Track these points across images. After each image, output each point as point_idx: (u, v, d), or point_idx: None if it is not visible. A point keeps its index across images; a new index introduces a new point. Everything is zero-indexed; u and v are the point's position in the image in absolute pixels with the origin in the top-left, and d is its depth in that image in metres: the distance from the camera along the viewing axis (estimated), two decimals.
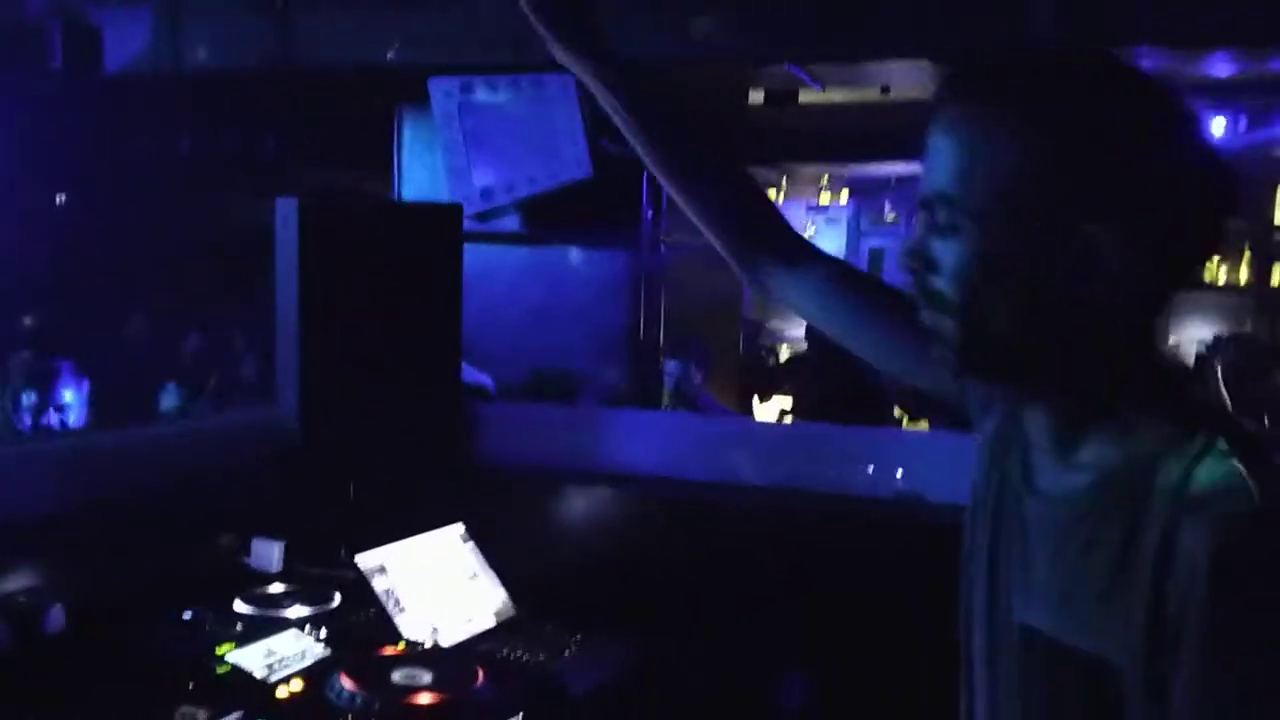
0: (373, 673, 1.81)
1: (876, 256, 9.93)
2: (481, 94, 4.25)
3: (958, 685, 1.18)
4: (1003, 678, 1.08)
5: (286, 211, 2.65)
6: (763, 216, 1.42)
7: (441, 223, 3.02)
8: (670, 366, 4.58)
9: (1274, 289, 8.65)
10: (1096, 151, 0.95)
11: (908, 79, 5.16)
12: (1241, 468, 0.93)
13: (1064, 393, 1.03)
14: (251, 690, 1.79)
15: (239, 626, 2.08)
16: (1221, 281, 8.66)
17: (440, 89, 4.27)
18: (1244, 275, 8.66)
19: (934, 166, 1.02)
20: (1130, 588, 0.94)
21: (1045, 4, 3.82)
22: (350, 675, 1.77)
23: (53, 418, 3.68)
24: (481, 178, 4.32)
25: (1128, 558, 0.94)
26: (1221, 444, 0.95)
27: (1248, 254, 8.63)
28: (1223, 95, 6.28)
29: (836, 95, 7.06)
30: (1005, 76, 1.01)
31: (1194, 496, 0.93)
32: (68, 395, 3.76)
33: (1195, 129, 0.98)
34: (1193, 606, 0.90)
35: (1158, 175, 0.95)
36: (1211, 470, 0.93)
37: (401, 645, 1.98)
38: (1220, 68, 4.84)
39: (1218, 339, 6.27)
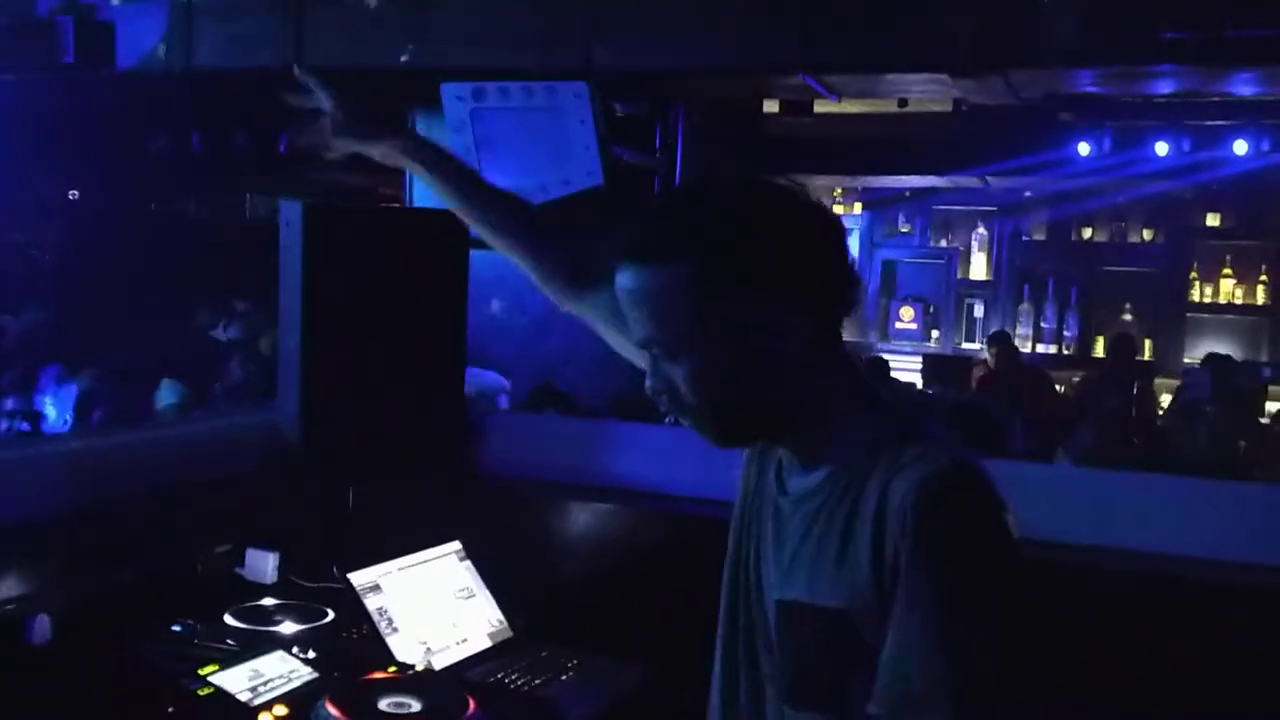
0: (359, 700, 1.76)
1: (890, 268, 9.87)
2: (494, 99, 4.20)
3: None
4: (767, 646, 1.33)
5: (291, 214, 2.61)
6: (562, 252, 1.73)
7: (449, 229, 2.96)
8: None
9: None
10: (740, 259, 1.22)
11: (926, 91, 5.11)
12: (935, 445, 1.24)
13: (794, 430, 1.31)
14: (234, 714, 1.74)
15: (227, 642, 2.03)
16: (1239, 301, 8.58)
17: (452, 93, 4.23)
18: (1260, 296, 8.57)
19: (636, 319, 1.28)
20: (858, 546, 1.21)
21: (1067, 21, 3.77)
22: (335, 703, 1.71)
23: (21, 426, 3.62)
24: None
25: (854, 526, 1.22)
26: (917, 436, 1.25)
27: (1264, 275, 8.55)
28: (1245, 115, 6.22)
29: (851, 107, 7.01)
30: (654, 238, 1.26)
31: (900, 466, 1.21)
32: (48, 408, 3.70)
33: (806, 213, 1.27)
34: (901, 541, 1.17)
35: (792, 251, 1.24)
36: (914, 449, 1.22)
37: (392, 669, 1.93)
38: (1242, 88, 4.77)
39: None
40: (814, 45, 4.10)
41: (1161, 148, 6.58)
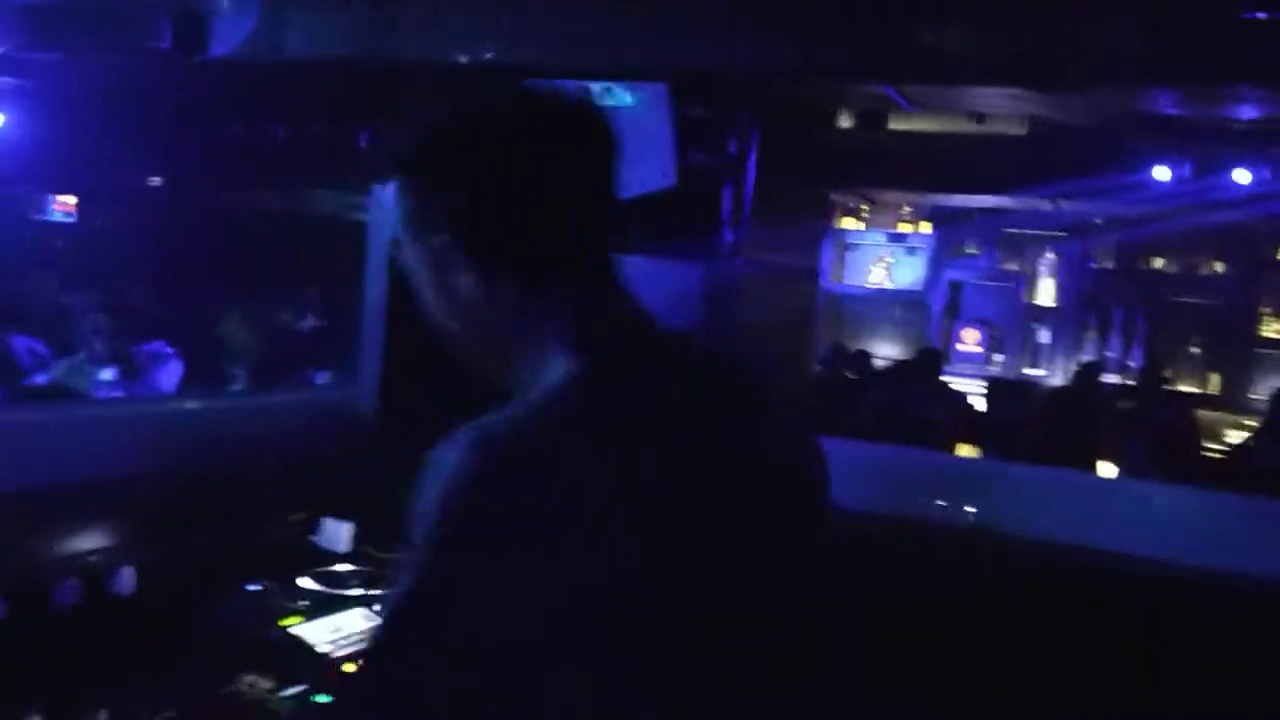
0: None
1: (956, 288, 9.82)
2: None
3: None
4: None
5: (383, 196, 2.68)
6: None
7: None
8: None
9: None
10: (430, 188, 1.18)
11: (1003, 106, 5.10)
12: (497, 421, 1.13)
13: (510, 368, 1.21)
14: (315, 664, 1.80)
15: (305, 602, 2.09)
16: None
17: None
18: None
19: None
20: None
21: (1134, 37, 3.75)
22: None
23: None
24: None
25: None
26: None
27: None
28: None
29: (926, 123, 6.99)
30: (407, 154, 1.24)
31: None
32: (163, 380, 3.82)
33: (521, 149, 1.18)
34: None
35: (480, 190, 1.16)
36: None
37: None
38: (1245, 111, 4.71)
39: None
40: (892, 54, 4.12)
41: (1242, 175, 6.48)
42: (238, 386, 4.76)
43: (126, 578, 2.12)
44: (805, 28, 4.26)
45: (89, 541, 2.16)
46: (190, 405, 2.90)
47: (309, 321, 6.62)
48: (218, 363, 4.69)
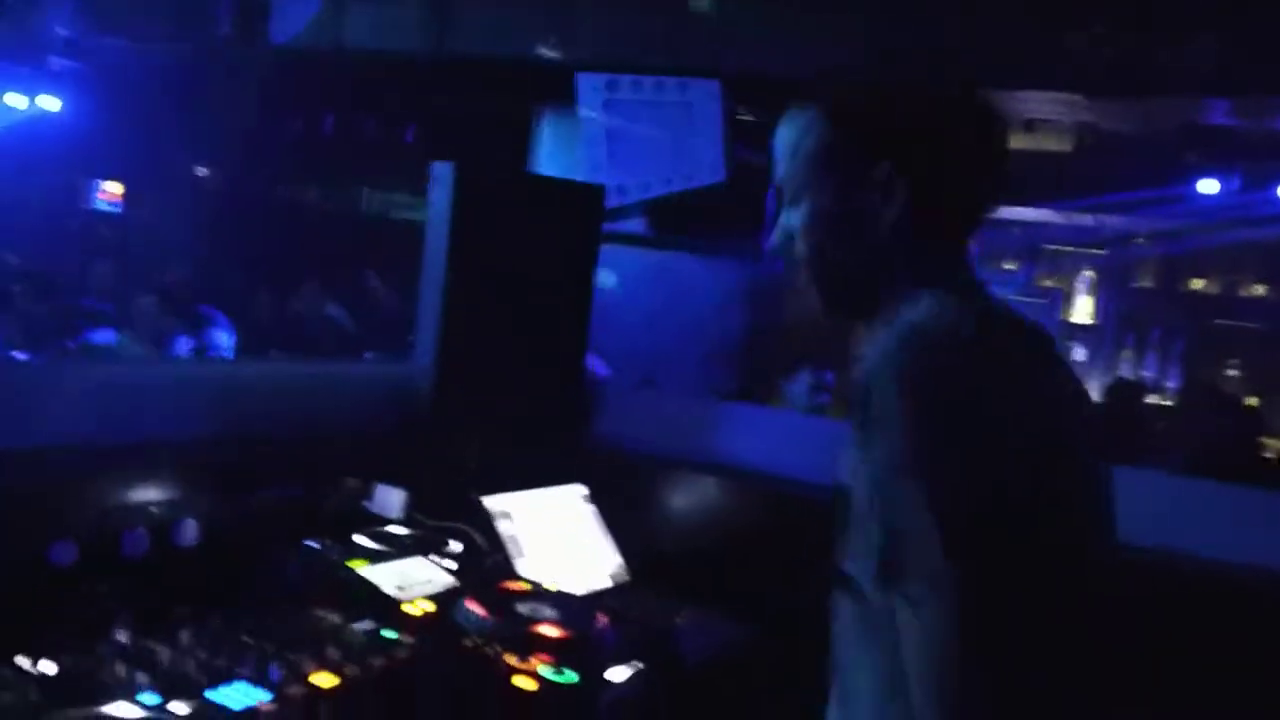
0: (499, 602, 1.85)
1: None
2: (627, 92, 4.32)
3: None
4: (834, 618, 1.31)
5: (442, 173, 2.72)
6: None
7: (586, 202, 3.07)
8: (802, 379, 4.55)
9: None
10: (879, 115, 1.28)
11: (1056, 113, 5.10)
12: (928, 318, 1.22)
13: (886, 311, 1.29)
14: (382, 603, 1.84)
15: (367, 552, 2.12)
16: None
17: (589, 84, 4.36)
18: None
19: (776, 161, 1.36)
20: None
21: (1209, 49, 3.76)
22: (478, 601, 1.80)
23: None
24: (618, 175, 4.39)
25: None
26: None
27: None
28: None
29: None
30: (816, 88, 1.34)
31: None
32: (222, 339, 3.90)
33: (967, 109, 1.30)
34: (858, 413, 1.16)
35: (928, 131, 1.27)
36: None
37: (526, 584, 2.02)
38: None
39: None
40: (942, 60, 4.14)
41: None
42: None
43: (190, 530, 2.17)
44: (855, 34, 4.30)
45: (152, 494, 2.21)
46: (252, 369, 2.96)
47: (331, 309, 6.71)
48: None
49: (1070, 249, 9.44)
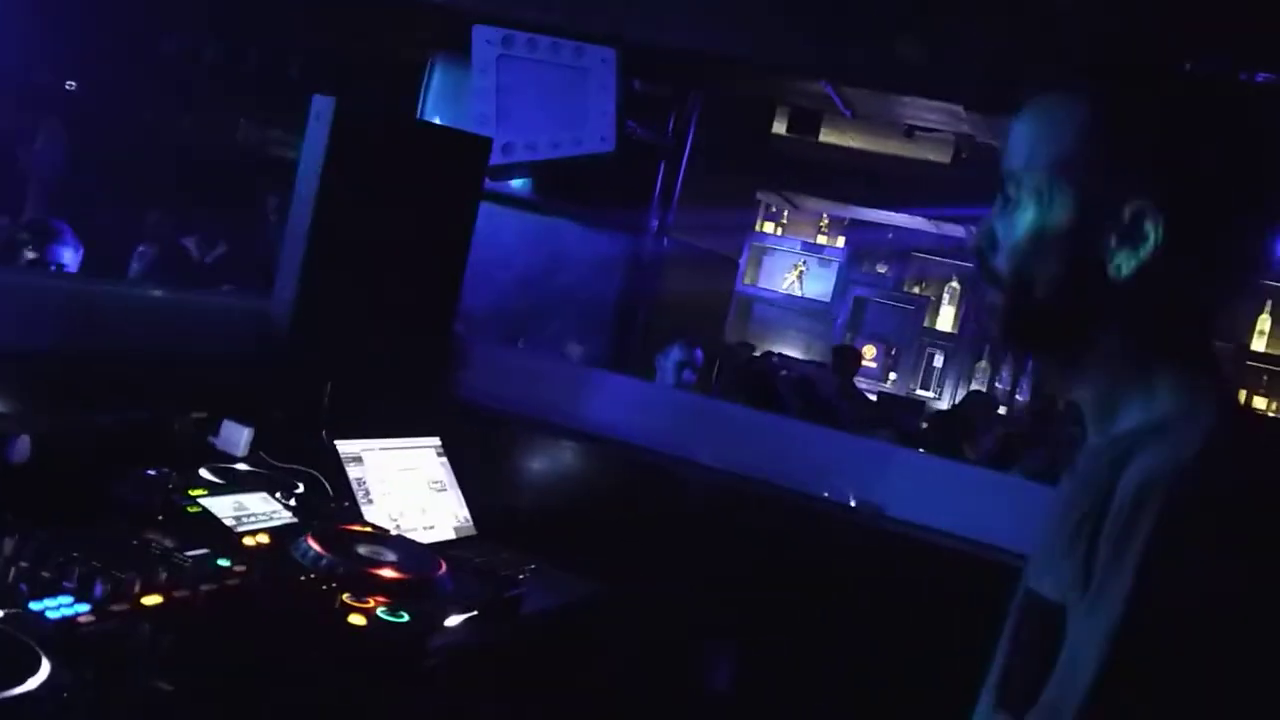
0: (339, 542, 1.83)
1: (861, 304, 10.05)
2: (521, 49, 4.28)
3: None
4: (1013, 635, 1.12)
5: (322, 108, 2.66)
6: None
7: (469, 154, 3.03)
8: (674, 354, 4.59)
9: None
10: (1146, 136, 1.05)
11: (936, 121, 5.24)
12: (1208, 427, 1.00)
13: (1089, 372, 1.10)
14: (219, 533, 1.80)
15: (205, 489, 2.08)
16: None
17: (483, 36, 4.30)
18: None
19: (1012, 148, 1.12)
20: (1082, 531, 0.98)
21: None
22: (317, 539, 1.78)
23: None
24: (504, 133, 4.34)
25: (1093, 507, 0.98)
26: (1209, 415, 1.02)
27: None
28: None
29: (856, 141, 7.15)
30: (1079, 75, 1.11)
31: (1146, 431, 1.02)
32: (66, 255, 3.73)
33: (1260, 138, 1.06)
34: (1113, 530, 0.95)
35: (1206, 167, 1.03)
36: (1185, 428, 1.00)
37: (368, 528, 2.00)
38: None
39: None
40: (837, 53, 4.22)
41: None
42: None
43: (21, 446, 2.09)
44: (762, 19, 4.33)
45: None
46: (102, 289, 2.85)
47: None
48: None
49: (939, 259, 9.73)
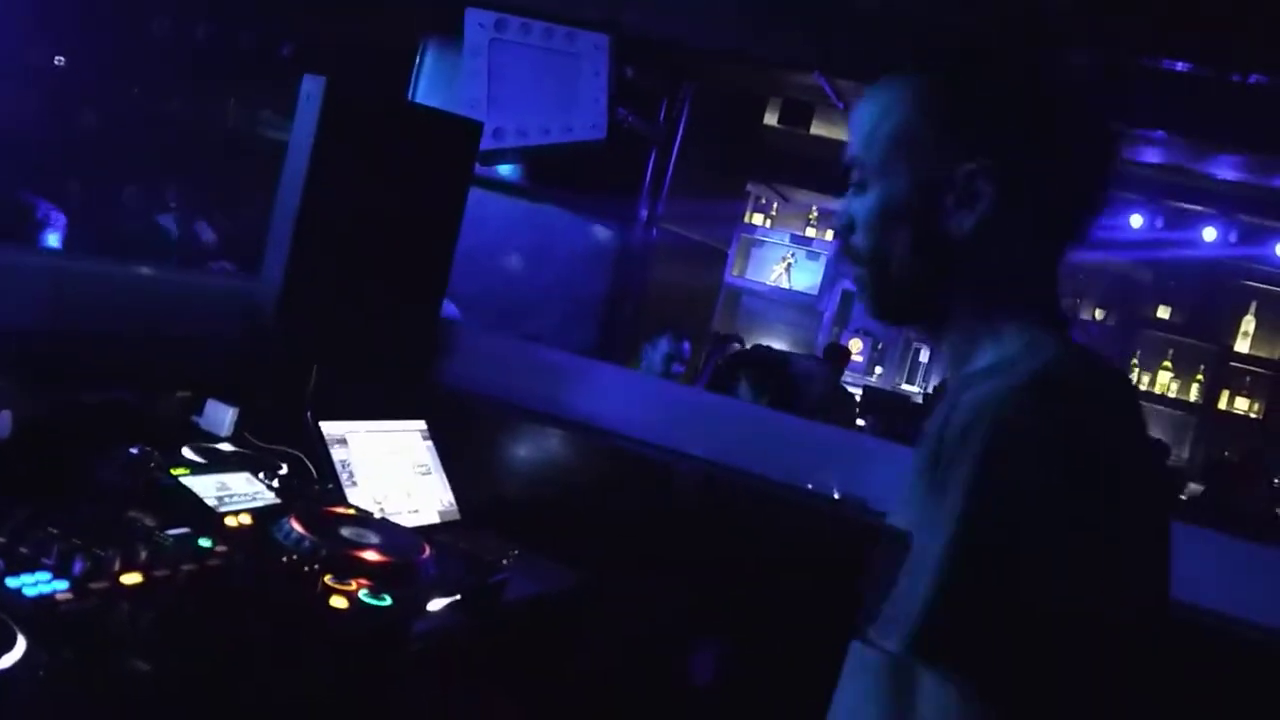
0: (322, 523, 1.81)
1: (848, 298, 10.05)
2: (514, 34, 4.25)
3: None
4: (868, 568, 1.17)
5: (313, 88, 2.63)
6: None
7: (461, 137, 3.02)
8: (662, 345, 4.59)
9: (1219, 411, 8.85)
10: (973, 104, 1.13)
11: None
12: (1047, 362, 1.08)
13: (947, 326, 1.19)
14: (201, 513, 1.79)
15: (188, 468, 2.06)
16: (1173, 395, 8.86)
17: (475, 19, 4.28)
18: (1194, 393, 8.86)
19: (852, 135, 1.21)
20: (926, 462, 1.05)
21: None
22: (300, 520, 1.77)
23: None
24: (495, 118, 4.31)
25: (935, 439, 1.05)
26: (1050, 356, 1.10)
27: (1202, 374, 8.83)
28: (1219, 203, 6.40)
29: (847, 131, 7.13)
30: (907, 56, 1.19)
31: (989, 369, 1.11)
32: (52, 239, 3.71)
33: (1081, 104, 1.16)
34: (944, 460, 1.01)
35: (1031, 129, 1.13)
36: (1022, 363, 1.08)
37: (352, 510, 1.98)
38: (1225, 172, 4.96)
39: None
40: (831, 44, 4.21)
41: (1136, 220, 6.75)
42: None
43: (2, 422, 2.07)
44: (758, 9, 4.32)
45: None
46: (88, 265, 2.82)
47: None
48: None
49: None
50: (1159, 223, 6.65)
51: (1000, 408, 1.01)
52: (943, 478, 1.00)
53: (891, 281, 1.18)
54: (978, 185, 1.11)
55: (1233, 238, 6.63)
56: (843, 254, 1.23)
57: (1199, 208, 6.54)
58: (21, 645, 1.24)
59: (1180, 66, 3.93)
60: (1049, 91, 1.15)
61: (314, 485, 2.17)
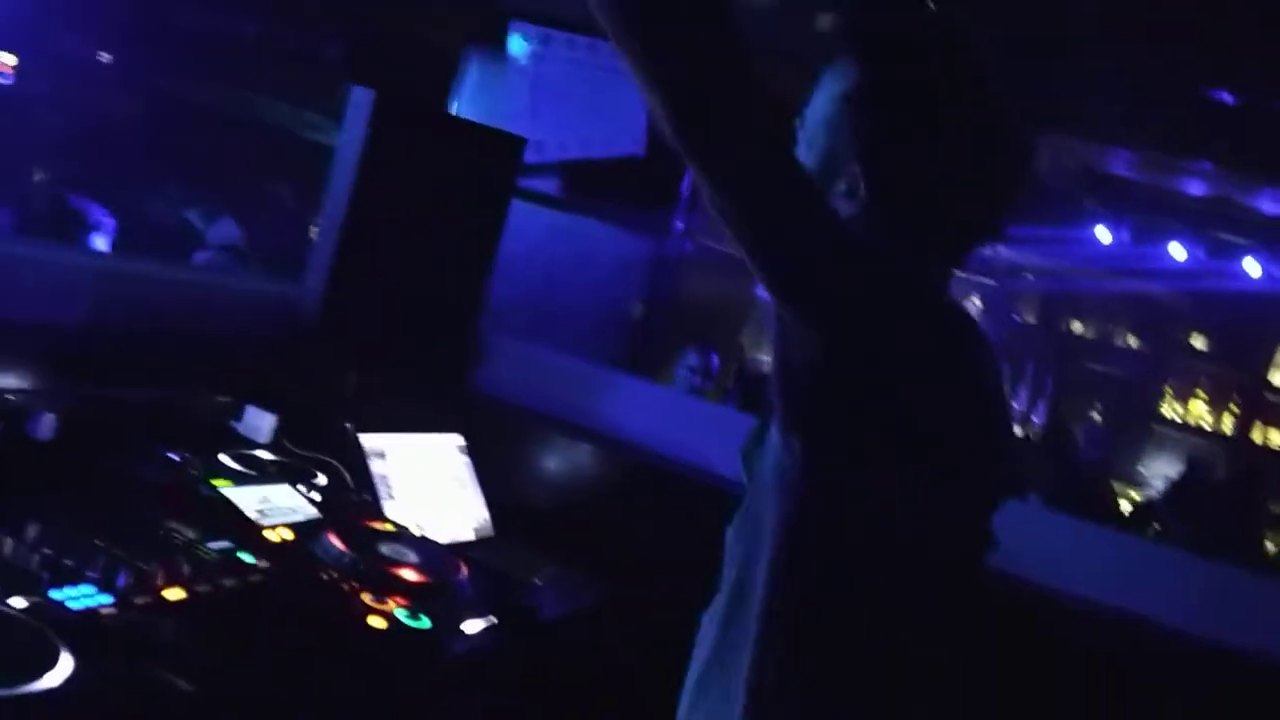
0: (361, 540, 1.82)
1: None
2: (560, 49, 4.25)
3: None
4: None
5: (361, 99, 2.65)
6: None
7: (505, 152, 3.03)
8: (692, 359, 4.58)
9: (1252, 444, 8.73)
10: (880, 110, 1.19)
11: None
12: None
13: None
14: (242, 526, 1.79)
15: (230, 473, 2.07)
16: (1206, 426, 8.75)
17: (521, 32, 4.28)
18: (1227, 425, 8.75)
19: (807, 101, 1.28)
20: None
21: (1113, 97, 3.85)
22: (339, 536, 1.77)
23: None
24: (538, 131, 4.31)
25: None
26: None
27: (1235, 405, 8.72)
28: (1262, 234, 6.31)
29: None
30: (858, 38, 1.25)
31: None
32: (100, 243, 3.74)
33: (993, 122, 1.20)
34: None
35: (932, 140, 1.18)
36: None
37: (390, 525, 1.99)
38: (1270, 205, 4.91)
39: None
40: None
41: (1178, 250, 6.66)
42: None
43: (46, 423, 2.08)
44: (808, 20, 4.29)
45: (8, 381, 2.11)
46: (131, 266, 2.84)
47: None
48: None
49: (960, 274, 9.65)
50: (1200, 254, 6.57)
51: None
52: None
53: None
54: (859, 184, 1.18)
55: (1276, 271, 6.54)
56: None
57: (1240, 239, 6.47)
58: (68, 662, 1.24)
59: (1226, 98, 3.90)
60: (962, 108, 1.19)
61: (351, 496, 2.17)
